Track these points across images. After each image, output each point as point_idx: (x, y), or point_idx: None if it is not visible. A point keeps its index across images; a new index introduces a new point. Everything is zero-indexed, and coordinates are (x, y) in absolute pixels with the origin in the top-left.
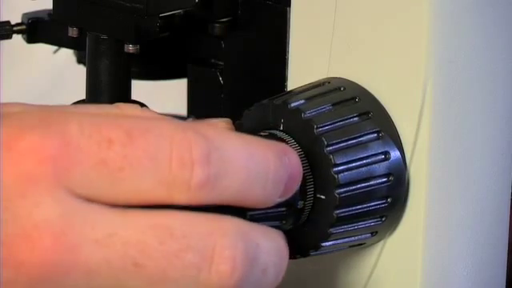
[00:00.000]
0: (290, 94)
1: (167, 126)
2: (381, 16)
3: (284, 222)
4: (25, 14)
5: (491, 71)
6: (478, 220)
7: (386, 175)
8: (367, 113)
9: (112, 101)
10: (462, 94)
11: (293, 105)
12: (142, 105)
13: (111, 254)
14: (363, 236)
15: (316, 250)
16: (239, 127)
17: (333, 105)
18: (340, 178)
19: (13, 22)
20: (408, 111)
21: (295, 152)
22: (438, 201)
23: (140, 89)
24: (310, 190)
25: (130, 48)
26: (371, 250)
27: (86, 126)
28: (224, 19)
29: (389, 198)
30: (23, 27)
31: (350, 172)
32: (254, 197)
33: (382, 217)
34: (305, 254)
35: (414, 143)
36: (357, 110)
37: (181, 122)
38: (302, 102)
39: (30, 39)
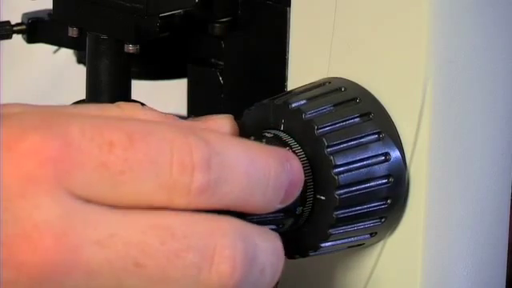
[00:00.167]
0: (290, 94)
1: (168, 130)
2: (381, 16)
3: (281, 226)
4: (25, 14)
5: (491, 71)
6: (478, 220)
7: (386, 176)
8: (368, 114)
9: (112, 101)
10: (462, 94)
11: (294, 105)
12: (142, 105)
13: (112, 254)
14: (362, 237)
15: (315, 251)
16: (241, 125)
17: (334, 105)
18: (340, 179)
19: (13, 22)
20: (408, 111)
21: (297, 158)
22: (438, 201)
23: (140, 89)
24: (310, 193)
25: (130, 48)
26: (371, 250)
27: (88, 129)
28: (224, 19)
29: (388, 199)
30: (23, 27)
31: (350, 173)
32: (254, 203)
33: (381, 218)
34: (304, 255)
35: (414, 143)
36: (358, 111)
37: (182, 125)
38: (303, 102)
39: (30, 39)
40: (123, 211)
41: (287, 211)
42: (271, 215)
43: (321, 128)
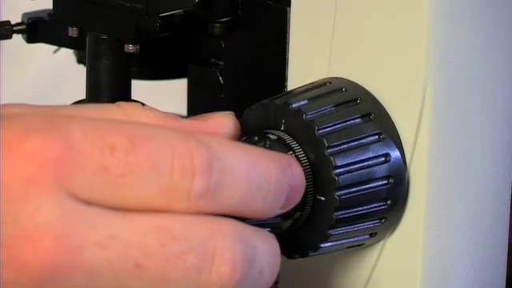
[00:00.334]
0: (291, 94)
1: (170, 135)
2: (381, 16)
3: (279, 229)
4: (25, 14)
5: (491, 71)
6: (478, 220)
7: (386, 177)
8: (369, 114)
9: (112, 101)
10: (462, 94)
11: (294, 105)
12: (143, 105)
13: (113, 256)
14: (362, 237)
15: (315, 251)
16: (243, 123)
17: (334, 106)
18: (340, 180)
19: (13, 22)
20: (408, 111)
21: (299, 164)
22: (438, 201)
23: (140, 89)
24: (310, 198)
25: (130, 48)
26: (371, 250)
27: (90, 131)
28: (224, 19)
29: (388, 200)
30: (23, 27)
31: (350, 174)
32: (255, 208)
33: (381, 218)
34: (304, 255)
35: (414, 143)
36: (358, 112)
37: (184, 129)
38: (304, 102)
39: (30, 39)
40: (124, 213)
41: (286, 216)
42: (270, 219)
43: (321, 129)
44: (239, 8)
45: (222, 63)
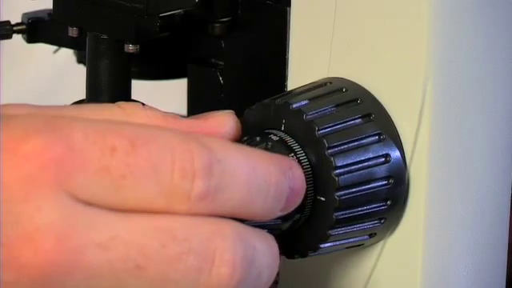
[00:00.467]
0: (291, 94)
1: (171, 136)
2: (381, 16)
3: (278, 231)
4: (25, 14)
5: (491, 71)
6: (478, 220)
7: (386, 178)
8: (369, 115)
9: (112, 101)
10: (462, 94)
11: (295, 106)
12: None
13: (113, 256)
14: (362, 238)
15: (315, 251)
16: (243, 122)
17: (335, 106)
18: (340, 180)
19: (13, 22)
20: (408, 111)
21: (300, 167)
22: (438, 201)
23: (140, 89)
24: (310, 200)
25: (130, 48)
26: (371, 250)
27: (91, 132)
28: (224, 19)
29: (388, 201)
30: (23, 27)
31: (350, 175)
32: (255, 210)
33: (381, 219)
34: (303, 255)
35: (414, 143)
36: (359, 112)
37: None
38: (304, 103)
39: (30, 39)
40: (124, 214)
41: (285, 218)
42: (269, 221)
43: (321, 129)
44: (239, 8)
45: (221, 63)
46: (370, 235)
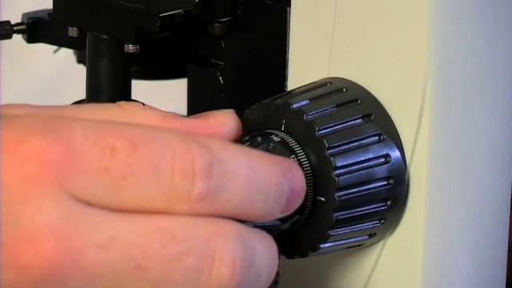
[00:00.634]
0: (291, 94)
1: (171, 137)
2: (381, 16)
3: (277, 231)
4: (25, 14)
5: (491, 71)
6: (478, 220)
7: (386, 178)
8: (369, 115)
9: (112, 101)
10: (462, 94)
11: (295, 106)
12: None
13: (114, 257)
14: (362, 238)
15: (314, 251)
16: (244, 121)
17: (335, 106)
18: (340, 180)
19: (13, 22)
20: (408, 111)
21: (300, 168)
22: (438, 201)
23: (140, 89)
24: (310, 202)
25: (130, 48)
26: (371, 250)
27: (91, 133)
28: (224, 19)
29: (388, 201)
30: (23, 27)
31: (350, 175)
32: (255, 211)
33: (381, 219)
34: (303, 255)
35: (414, 143)
36: (359, 112)
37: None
38: (304, 103)
39: (30, 39)
40: (125, 214)
41: (285, 219)
42: (269, 222)
43: (322, 129)
44: (239, 8)
45: (221, 63)
46: (370, 235)
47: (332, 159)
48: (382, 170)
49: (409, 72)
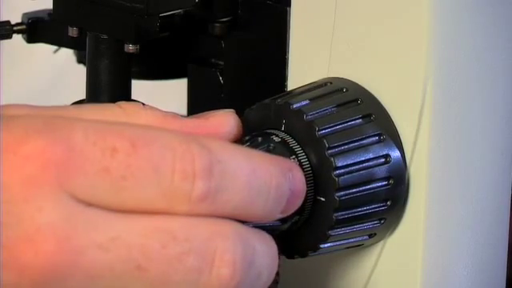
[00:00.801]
0: (292, 94)
1: (171, 137)
2: (381, 16)
3: (277, 232)
4: (25, 14)
5: (491, 71)
6: (478, 220)
7: (386, 178)
8: (369, 115)
9: (112, 101)
10: (462, 94)
11: (295, 106)
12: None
13: (114, 257)
14: (362, 238)
15: (314, 251)
16: (244, 121)
17: (335, 107)
18: (340, 181)
19: (13, 22)
20: (408, 111)
21: (300, 169)
22: (438, 201)
23: (140, 89)
24: (309, 202)
25: (130, 48)
26: (371, 250)
27: (91, 133)
28: (224, 19)
29: (388, 201)
30: (23, 27)
31: (350, 175)
32: (255, 212)
33: (380, 219)
34: (303, 255)
35: (414, 143)
36: (359, 112)
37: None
38: (305, 103)
39: (30, 39)
40: (125, 215)
41: (284, 220)
42: (269, 222)
43: (322, 129)
44: (239, 8)
45: (221, 63)
46: (370, 235)
47: (332, 159)
48: (382, 170)
49: (409, 72)
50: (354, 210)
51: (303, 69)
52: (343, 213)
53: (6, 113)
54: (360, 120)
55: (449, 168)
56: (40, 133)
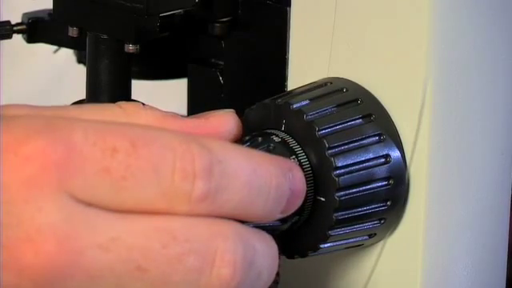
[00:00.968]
0: (292, 94)
1: (171, 137)
2: (381, 16)
3: (277, 232)
4: (25, 14)
5: (491, 71)
6: (477, 220)
7: (387, 178)
8: (370, 115)
9: (112, 101)
10: (462, 94)
11: (295, 106)
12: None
13: (114, 258)
14: (361, 238)
15: (314, 251)
16: (244, 121)
17: (335, 107)
18: (340, 181)
19: (13, 22)
20: (408, 111)
21: (300, 169)
22: (437, 201)
23: (140, 89)
24: (309, 202)
25: (130, 48)
26: (371, 250)
27: (91, 133)
28: (224, 19)
29: (388, 201)
30: (23, 27)
31: (350, 175)
32: (255, 212)
33: (381, 219)
34: (303, 255)
35: (414, 143)
36: (359, 112)
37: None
38: (305, 103)
39: (30, 39)
40: (125, 215)
41: (284, 220)
42: (269, 222)
43: (322, 129)
44: (239, 8)
45: (221, 63)
46: (370, 235)
47: (332, 159)
48: (382, 170)
49: (409, 72)
50: (354, 210)
51: (303, 69)
52: (343, 213)
53: (6, 113)
54: (360, 120)
55: (449, 168)
56: (40, 133)
